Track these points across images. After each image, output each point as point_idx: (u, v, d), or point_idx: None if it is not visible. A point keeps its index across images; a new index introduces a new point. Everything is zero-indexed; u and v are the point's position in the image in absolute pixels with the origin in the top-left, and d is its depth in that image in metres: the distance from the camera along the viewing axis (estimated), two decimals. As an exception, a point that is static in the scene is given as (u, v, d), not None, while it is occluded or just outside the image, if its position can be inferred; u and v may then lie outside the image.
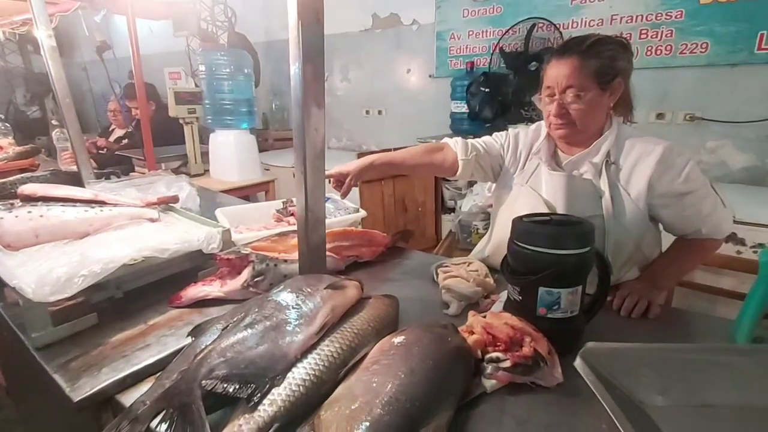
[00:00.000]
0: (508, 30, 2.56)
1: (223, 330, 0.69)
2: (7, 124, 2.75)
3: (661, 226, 1.08)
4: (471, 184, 2.79)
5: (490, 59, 2.74)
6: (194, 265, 0.99)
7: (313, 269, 0.93)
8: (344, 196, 1.17)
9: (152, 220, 1.08)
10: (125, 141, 3.09)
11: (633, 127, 1.08)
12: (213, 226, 1.05)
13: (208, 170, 2.25)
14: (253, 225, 1.31)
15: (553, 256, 0.73)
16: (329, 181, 1.21)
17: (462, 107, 2.83)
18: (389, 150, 1.33)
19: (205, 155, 2.22)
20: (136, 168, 2.24)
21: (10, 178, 1.52)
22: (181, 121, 2.08)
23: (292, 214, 1.34)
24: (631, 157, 0.99)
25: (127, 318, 0.83)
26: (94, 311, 0.80)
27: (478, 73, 2.77)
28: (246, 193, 2.09)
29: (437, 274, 1.08)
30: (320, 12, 0.81)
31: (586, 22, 2.56)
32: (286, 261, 0.95)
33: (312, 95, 0.82)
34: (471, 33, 2.96)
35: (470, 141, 1.19)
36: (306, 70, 0.79)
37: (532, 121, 2.68)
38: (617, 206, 0.99)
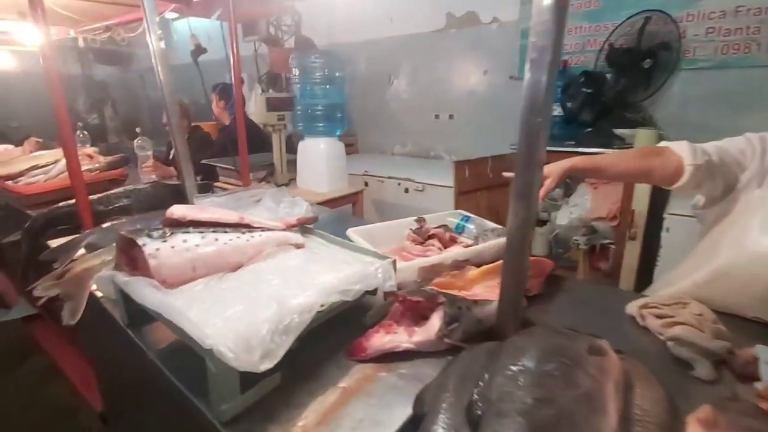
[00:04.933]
0: (620, 24, 2.31)
1: (467, 411, 0.52)
2: (85, 132, 2.74)
3: None
4: (567, 194, 2.54)
5: (597, 57, 2.49)
6: (354, 304, 0.82)
7: (515, 312, 0.74)
8: (542, 199, 1.01)
9: (297, 246, 0.92)
10: None
11: None
12: (368, 254, 0.88)
13: (293, 179, 2.12)
14: (384, 247, 1.14)
15: None
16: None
17: (553, 110, 2.59)
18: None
19: (289, 164, 2.10)
20: (221, 177, 2.14)
21: (114, 191, 1.43)
22: (270, 129, 1.96)
23: (431, 236, 1.16)
24: None
25: (307, 376, 0.67)
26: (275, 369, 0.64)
27: (572, 73, 2.53)
28: (336, 205, 1.94)
29: (643, 317, 0.87)
30: None
31: (704, 15, 2.27)
32: (476, 302, 0.76)
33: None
34: (561, 30, 2.72)
35: (699, 145, 0.97)
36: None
37: (639, 124, 2.41)
38: None
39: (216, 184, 2.13)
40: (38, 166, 1.80)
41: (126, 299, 0.74)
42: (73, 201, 1.32)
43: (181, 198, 1.46)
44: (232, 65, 1.61)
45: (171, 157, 3.06)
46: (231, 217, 0.86)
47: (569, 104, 2.47)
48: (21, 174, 1.77)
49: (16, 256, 1.55)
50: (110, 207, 1.37)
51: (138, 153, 2.36)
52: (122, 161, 1.90)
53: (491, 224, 1.19)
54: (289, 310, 0.59)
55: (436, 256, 0.98)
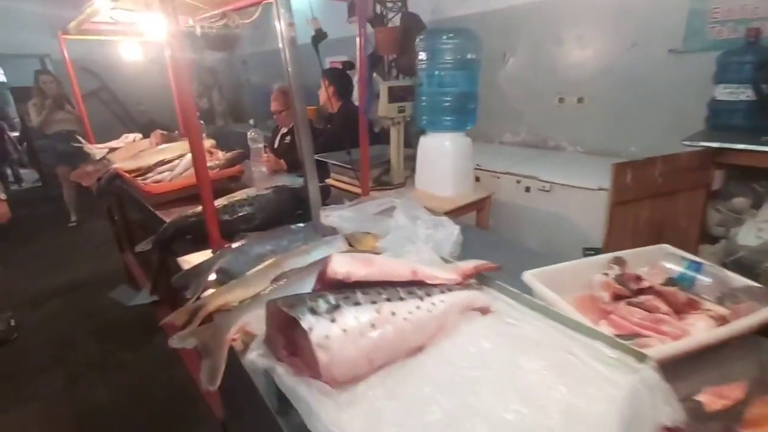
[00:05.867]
0: None
1: None
2: (201, 122, 2.79)
3: None
4: (758, 204, 1.96)
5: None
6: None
7: None
8: None
9: (483, 311, 0.67)
10: (288, 138, 2.95)
11: None
12: (595, 335, 0.60)
13: (408, 177, 1.89)
14: (568, 296, 0.84)
15: None
16: None
17: (739, 93, 1.99)
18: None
19: (405, 160, 1.86)
20: (332, 174, 1.99)
21: (237, 198, 1.32)
22: (389, 122, 1.74)
23: (644, 290, 0.83)
24: None
25: None
26: None
27: (771, 44, 1.90)
28: (460, 214, 1.67)
29: None
30: None
31: None
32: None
33: None
34: (756, -15, 2.06)
35: None
36: None
37: None
38: None
39: (327, 181, 1.99)
40: (164, 162, 1.81)
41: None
42: (200, 209, 1.24)
43: (303, 205, 1.31)
44: (358, 50, 1.38)
45: (276, 146, 3.03)
46: (402, 271, 0.64)
47: (766, 86, 1.87)
48: (149, 169, 1.79)
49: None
50: (234, 216, 1.26)
51: (250, 145, 2.32)
52: (240, 157, 1.84)
53: (738, 278, 0.82)
54: None
55: (686, 339, 0.65)
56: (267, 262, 0.94)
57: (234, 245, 1.03)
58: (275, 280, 0.85)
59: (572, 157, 2.84)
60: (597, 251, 1.89)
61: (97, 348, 2.52)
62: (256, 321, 0.76)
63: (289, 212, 1.36)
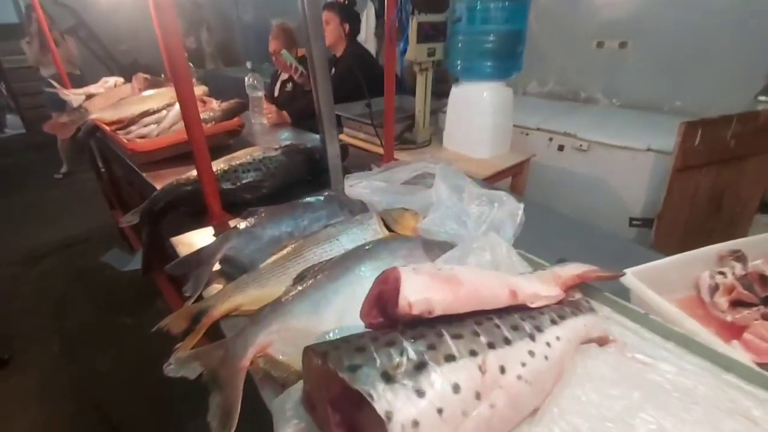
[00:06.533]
0: None
1: None
2: (190, 63, 2.45)
3: None
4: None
5: None
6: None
7: None
8: None
9: (600, 342, 0.48)
10: (289, 86, 2.62)
11: None
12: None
13: (434, 134, 1.64)
14: (671, 296, 0.66)
15: None
16: None
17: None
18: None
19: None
20: (345, 129, 1.74)
21: (241, 161, 1.08)
22: (415, 68, 1.46)
23: (778, 299, 0.64)
24: None
25: None
26: None
27: None
28: (495, 180, 1.45)
29: None
30: None
31: None
32: None
33: None
34: None
35: None
36: None
37: None
38: None
39: (339, 137, 1.73)
40: (149, 112, 1.54)
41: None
42: (195, 174, 1.01)
43: (320, 170, 1.09)
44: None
45: (276, 94, 2.71)
46: (500, 293, 0.44)
47: None
48: (132, 121, 1.53)
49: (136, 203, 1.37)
50: (238, 184, 1.04)
51: (249, 93, 2.03)
52: (239, 107, 1.56)
53: None
54: None
55: None
56: (285, 251, 0.74)
57: (242, 225, 0.82)
58: (299, 278, 0.66)
59: (608, 110, 2.56)
60: (647, 222, 1.70)
61: (93, 312, 2.39)
62: (279, 339, 0.58)
63: (302, 178, 1.14)
